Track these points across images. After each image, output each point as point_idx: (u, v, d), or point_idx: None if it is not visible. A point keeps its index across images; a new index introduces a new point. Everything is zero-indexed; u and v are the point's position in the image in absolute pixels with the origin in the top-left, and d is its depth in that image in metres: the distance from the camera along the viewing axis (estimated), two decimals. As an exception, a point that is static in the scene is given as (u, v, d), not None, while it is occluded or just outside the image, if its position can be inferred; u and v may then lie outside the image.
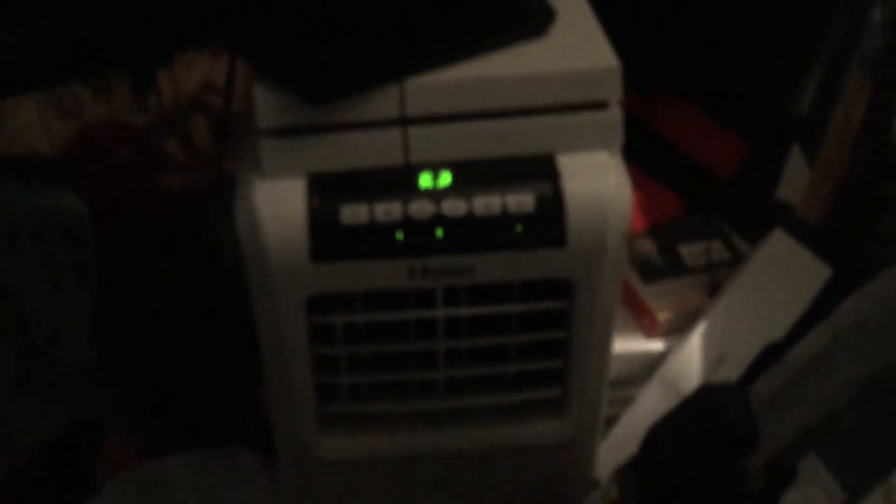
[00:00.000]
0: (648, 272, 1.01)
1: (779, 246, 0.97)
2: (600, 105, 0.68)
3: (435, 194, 0.67)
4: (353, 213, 0.66)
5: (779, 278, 0.95)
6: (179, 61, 1.03)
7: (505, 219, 0.67)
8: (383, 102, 0.66)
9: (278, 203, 0.66)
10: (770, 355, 0.87)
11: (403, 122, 0.67)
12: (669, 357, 0.96)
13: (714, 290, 0.99)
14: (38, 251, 1.09)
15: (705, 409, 0.73)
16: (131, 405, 1.14)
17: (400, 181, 0.67)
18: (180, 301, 1.03)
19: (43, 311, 1.15)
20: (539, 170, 0.67)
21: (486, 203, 0.66)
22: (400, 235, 0.66)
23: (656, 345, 0.98)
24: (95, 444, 1.15)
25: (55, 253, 1.08)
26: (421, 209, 0.66)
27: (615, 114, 0.68)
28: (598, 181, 0.67)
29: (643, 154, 0.87)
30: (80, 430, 1.17)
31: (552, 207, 0.67)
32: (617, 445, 0.91)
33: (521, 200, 0.67)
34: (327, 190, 0.67)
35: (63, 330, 1.15)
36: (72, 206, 1.01)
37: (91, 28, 0.78)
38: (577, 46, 0.68)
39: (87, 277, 1.08)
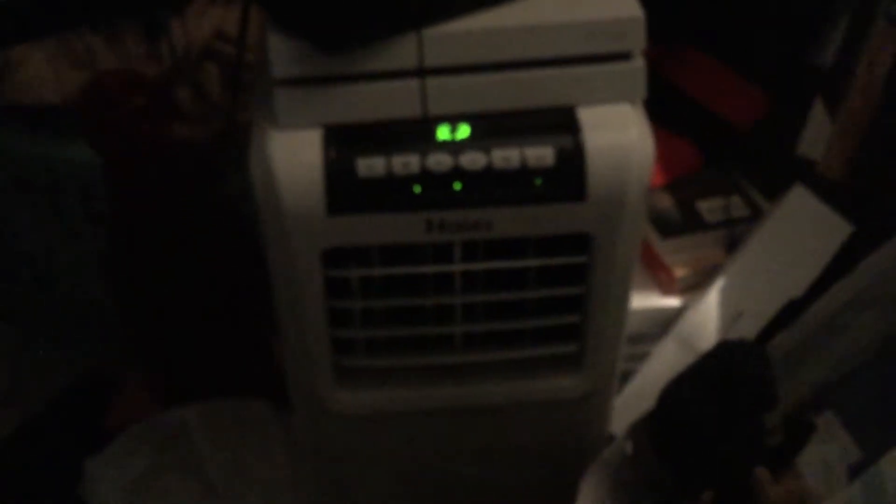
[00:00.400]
0: (666, 228, 1.00)
1: (799, 202, 0.96)
2: (623, 56, 0.66)
3: (453, 147, 0.66)
4: (370, 165, 0.65)
5: (798, 235, 0.94)
6: (191, 9, 1.02)
7: (524, 172, 0.65)
8: (401, 52, 0.65)
9: (294, 154, 0.65)
10: (789, 313, 0.86)
11: (421, 72, 0.65)
12: (686, 313, 0.95)
13: (732, 246, 0.98)
14: (50, 200, 1.09)
15: (723, 366, 0.72)
16: (145, 355, 1.15)
17: (417, 133, 0.66)
18: (193, 250, 1.03)
19: (56, 258, 1.15)
20: (559, 122, 0.66)
21: (505, 156, 0.65)
22: (417, 189, 0.65)
23: (673, 301, 0.97)
24: (108, 394, 1.16)
25: (67, 201, 1.08)
26: (439, 162, 0.65)
27: (638, 65, 0.67)
28: (620, 134, 0.66)
29: (661, 106, 0.86)
30: (94, 380, 1.18)
31: (573, 161, 0.65)
32: (632, 401, 0.91)
33: (541, 154, 0.65)
34: (344, 142, 0.65)
35: (76, 277, 1.15)
36: (84, 155, 1.01)
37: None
38: (600, -5, 0.67)
39: (100, 225, 1.08)
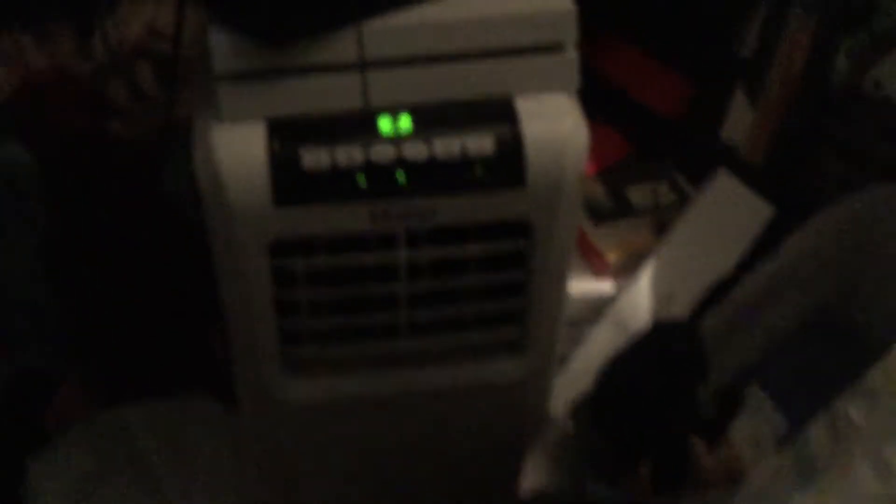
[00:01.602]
0: (598, 214, 1.03)
1: (723, 186, 1.00)
2: (557, 48, 0.68)
3: (396, 139, 0.67)
4: (315, 157, 0.66)
5: (724, 217, 0.98)
6: (122, 6, 1.01)
7: (465, 161, 0.67)
8: (342, 45, 0.66)
9: (238, 148, 0.66)
10: (717, 291, 0.90)
11: (362, 65, 0.67)
12: (620, 297, 0.98)
13: (661, 230, 1.02)
14: (-20, 202, 1.07)
15: (657, 343, 0.75)
16: (84, 353, 1.13)
17: (360, 125, 0.67)
18: (131, 247, 1.02)
19: (-12, 262, 1.13)
20: (498, 112, 0.68)
21: (447, 146, 0.67)
22: (362, 179, 0.67)
23: (606, 285, 1.00)
24: (47, 394, 1.14)
25: (1, 203, 1.06)
26: (382, 153, 0.67)
27: (571, 56, 0.69)
28: (556, 123, 0.68)
29: (591, 97, 0.88)
30: (31, 380, 1.16)
31: (511, 149, 0.67)
32: (570, 383, 0.93)
33: (481, 143, 0.67)
34: (287, 134, 0.66)
35: (10, 277, 1.13)
36: (16, 155, 0.99)
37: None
38: (534, -11, 0.69)
39: (34, 227, 1.06)
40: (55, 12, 0.98)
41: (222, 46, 0.65)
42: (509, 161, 0.68)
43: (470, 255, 0.72)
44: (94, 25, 1.01)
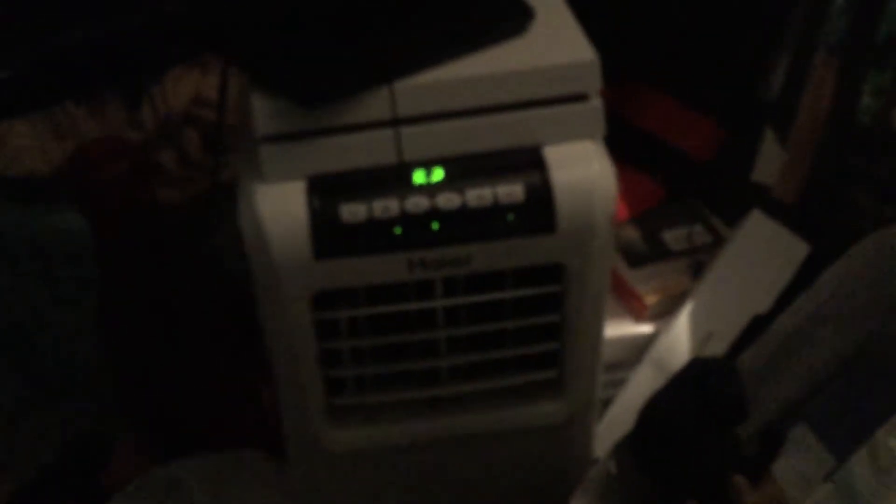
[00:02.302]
0: (634, 258, 1.04)
1: (757, 226, 1.01)
2: (582, 97, 0.71)
3: (429, 189, 0.70)
4: (353, 211, 0.69)
5: (759, 257, 0.99)
6: (169, 77, 1.06)
7: (497, 209, 0.70)
8: (375, 104, 0.69)
9: (280, 205, 0.69)
10: (756, 328, 0.91)
11: (395, 122, 0.70)
12: (659, 338, 0.99)
13: (698, 271, 1.03)
14: (39, 270, 1.12)
15: (696, 381, 0.76)
16: (138, 413, 1.17)
17: (395, 178, 0.70)
18: (182, 308, 1.06)
19: (46, 327, 1.17)
20: (527, 161, 0.71)
21: (478, 195, 0.70)
22: (398, 230, 0.70)
23: (646, 328, 1.01)
24: (104, 454, 1.18)
25: (57, 270, 1.11)
26: (417, 204, 0.69)
27: (596, 105, 0.72)
28: (583, 169, 0.71)
29: (623, 144, 0.91)
30: (88, 443, 1.19)
31: (541, 196, 0.70)
32: (613, 425, 0.94)
33: (512, 191, 0.70)
34: (326, 190, 0.70)
35: (67, 344, 1.17)
36: (72, 223, 1.04)
37: (84, 46, 0.81)
38: (557, 43, 0.72)
39: (89, 291, 1.11)
40: (106, 86, 1.03)
41: (263, 110, 0.69)
42: (539, 207, 0.70)
43: (506, 299, 0.74)
44: (142, 97, 1.06)
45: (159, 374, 1.11)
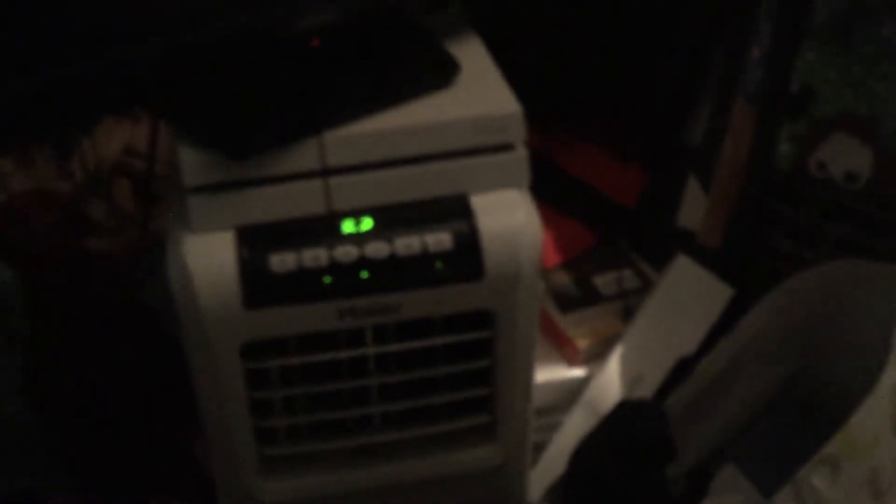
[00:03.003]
0: (566, 303, 1.06)
1: (683, 270, 1.03)
2: (507, 147, 0.73)
3: (358, 238, 0.71)
4: (282, 260, 0.70)
5: (685, 300, 1.01)
6: (100, 128, 1.06)
7: (425, 257, 0.71)
8: (304, 155, 0.70)
9: (209, 256, 0.70)
10: (681, 370, 0.93)
11: (324, 172, 0.71)
12: (591, 382, 1.01)
13: (628, 315, 1.05)
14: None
15: (624, 423, 0.77)
16: (68, 468, 1.14)
17: (324, 228, 0.71)
18: (112, 360, 1.04)
19: (-28, 381, 1.15)
20: (454, 210, 0.72)
21: (407, 243, 0.71)
22: (328, 279, 0.70)
23: (578, 371, 1.02)
24: (33, 511, 1.15)
25: (-17, 323, 1.09)
26: (346, 253, 0.70)
27: (521, 154, 0.73)
28: (509, 217, 0.72)
29: (552, 191, 0.93)
30: (22, 497, 1.16)
31: (469, 244, 0.71)
32: (548, 469, 0.95)
33: (440, 239, 0.71)
34: (256, 240, 0.70)
35: (-6, 399, 1.15)
36: (1, 276, 1.02)
37: (12, 97, 0.80)
38: (482, 94, 0.74)
39: (17, 344, 1.09)
40: (35, 137, 1.02)
41: (191, 162, 0.69)
42: (467, 255, 0.71)
43: (436, 346, 0.75)
44: (72, 148, 1.05)
45: (90, 427, 1.09)
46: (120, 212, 1.06)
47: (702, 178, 1.05)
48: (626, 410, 0.79)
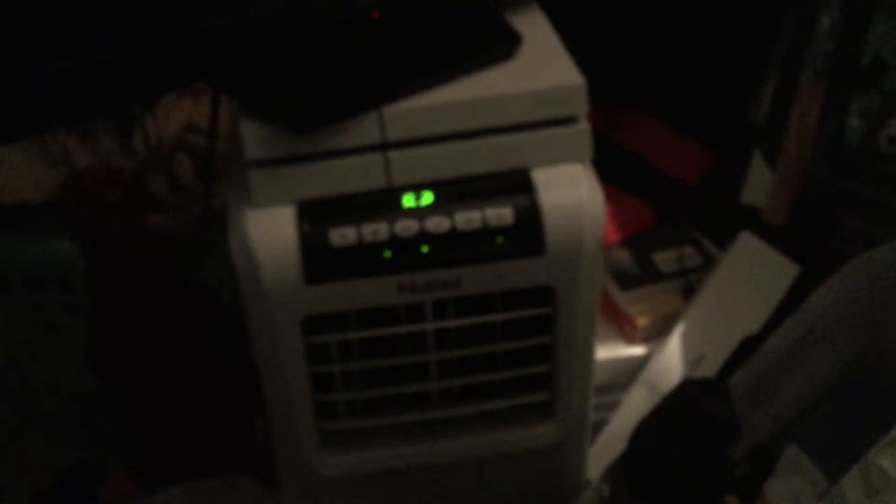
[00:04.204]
0: (625, 280, 1.05)
1: (747, 248, 1.01)
2: (569, 120, 0.72)
3: (418, 213, 0.70)
4: (342, 235, 0.70)
5: (749, 278, 0.99)
6: (161, 105, 1.07)
7: (486, 232, 0.70)
8: (364, 129, 0.70)
9: (270, 230, 0.70)
10: (746, 349, 0.91)
11: (384, 146, 0.70)
12: (651, 360, 1.00)
13: (689, 293, 1.03)
14: (32, 298, 1.12)
15: (687, 402, 0.76)
16: (130, 441, 1.16)
17: (384, 202, 0.71)
18: (173, 336, 1.06)
19: (38, 355, 1.17)
20: (515, 184, 0.71)
21: (468, 218, 0.70)
22: (388, 254, 0.70)
23: (638, 350, 1.01)
24: (96, 482, 1.17)
25: (49, 298, 1.11)
26: (406, 227, 0.70)
27: (584, 128, 0.72)
28: (571, 192, 0.71)
29: (613, 168, 0.91)
30: (79, 472, 1.19)
31: (530, 219, 0.70)
32: (606, 448, 0.94)
33: (501, 214, 0.70)
34: (316, 215, 0.70)
35: (59, 372, 1.17)
36: (64, 250, 1.04)
37: (77, 74, 0.81)
38: (544, 67, 0.72)
39: (82, 320, 1.11)
40: (99, 114, 1.04)
41: (252, 136, 0.69)
42: (529, 230, 0.70)
43: (496, 322, 0.75)
44: (134, 124, 1.06)
45: (151, 401, 1.11)
46: (182, 188, 1.07)
47: (767, 155, 1.03)
48: (689, 389, 0.77)
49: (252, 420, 1.12)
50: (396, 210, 0.70)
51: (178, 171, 1.06)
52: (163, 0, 0.71)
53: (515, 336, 0.76)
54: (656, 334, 1.01)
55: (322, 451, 0.80)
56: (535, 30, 0.76)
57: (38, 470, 1.21)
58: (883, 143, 0.95)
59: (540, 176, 0.71)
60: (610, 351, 1.00)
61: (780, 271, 0.98)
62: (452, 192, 0.71)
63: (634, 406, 0.96)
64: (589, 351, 0.78)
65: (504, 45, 0.74)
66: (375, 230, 0.70)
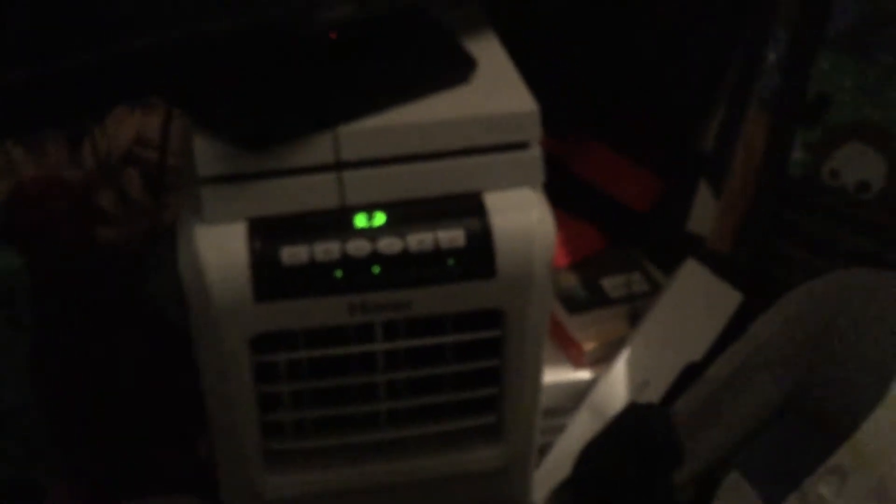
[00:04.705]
0: (573, 304, 1.06)
1: (692, 275, 1.03)
2: (522, 145, 0.73)
3: (370, 233, 0.70)
4: (294, 253, 0.69)
5: (694, 305, 1.01)
6: (111, 117, 1.06)
7: (437, 254, 0.71)
8: (318, 148, 0.70)
9: (221, 247, 0.69)
10: (689, 375, 0.92)
11: (338, 166, 0.70)
12: (596, 385, 1.00)
13: (635, 319, 1.04)
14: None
15: (631, 427, 0.77)
16: (71, 459, 1.14)
17: (337, 222, 0.71)
18: (117, 352, 1.04)
19: (-24, 368, 1.14)
20: (468, 207, 0.72)
21: (419, 239, 0.70)
22: (339, 273, 0.70)
23: (584, 374, 1.02)
24: (37, 499, 1.15)
25: (-11, 310, 1.09)
26: (358, 248, 0.70)
27: (536, 153, 0.73)
28: (523, 215, 0.72)
29: (564, 194, 0.92)
30: (21, 486, 1.16)
31: (481, 241, 0.71)
32: (552, 471, 0.95)
33: (453, 236, 0.71)
34: (268, 232, 0.70)
35: (-2, 387, 1.15)
36: (9, 263, 1.02)
37: (28, 84, 0.80)
38: (498, 92, 0.73)
39: (23, 334, 1.08)
40: (45, 125, 1.02)
41: (205, 152, 0.69)
42: (480, 253, 0.71)
43: (445, 344, 0.75)
44: (83, 136, 1.05)
45: (92, 418, 1.09)
46: (130, 202, 1.06)
47: (713, 184, 1.05)
48: (634, 414, 0.78)
49: (194, 438, 1.11)
50: (349, 230, 0.70)
51: (127, 184, 1.05)
52: (115, 13, 0.70)
53: (464, 358, 0.76)
54: (602, 359, 1.02)
55: (267, 472, 0.79)
56: (491, 56, 0.77)
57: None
58: (825, 175, 0.97)
59: (492, 200, 0.72)
60: (556, 375, 1.01)
61: (723, 299, 1.00)
62: (405, 214, 0.71)
63: (580, 430, 0.97)
64: (537, 374, 0.79)
65: (459, 69, 0.74)
66: (327, 249, 0.70)
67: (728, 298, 0.99)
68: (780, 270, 1.00)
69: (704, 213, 1.05)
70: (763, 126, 1.00)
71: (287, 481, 0.80)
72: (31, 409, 1.11)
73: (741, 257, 1.02)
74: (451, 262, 0.71)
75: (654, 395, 0.97)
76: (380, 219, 0.71)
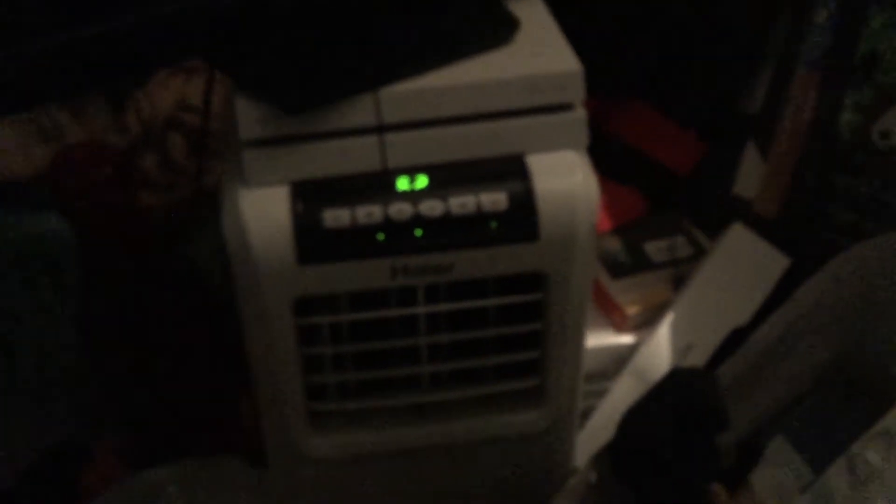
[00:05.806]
0: (616, 269, 1.05)
1: (738, 239, 1.02)
2: (565, 107, 0.72)
3: (412, 196, 0.70)
4: (336, 216, 0.69)
5: (739, 270, 1.00)
6: (154, 81, 1.06)
7: (480, 217, 0.70)
8: (360, 111, 0.69)
9: (264, 210, 0.69)
10: (735, 340, 0.92)
11: (380, 129, 0.70)
12: (639, 349, 1.00)
13: (679, 283, 1.03)
14: (21, 275, 1.11)
15: (676, 391, 0.76)
16: (117, 419, 1.16)
17: (379, 185, 0.70)
18: (162, 314, 1.05)
19: (27, 332, 1.17)
20: (510, 169, 0.71)
21: (462, 202, 0.70)
22: (381, 236, 0.70)
23: (626, 338, 1.02)
24: (82, 459, 1.17)
25: (38, 275, 1.10)
26: (400, 210, 0.70)
27: (580, 115, 0.72)
28: (566, 178, 0.71)
29: (606, 157, 0.91)
30: (67, 446, 1.19)
31: (524, 204, 0.70)
32: (593, 435, 0.95)
33: (495, 199, 0.70)
34: (310, 196, 0.70)
35: (48, 351, 1.17)
36: (55, 228, 1.03)
37: (69, 48, 0.80)
38: (542, 53, 0.72)
39: (69, 297, 1.10)
40: (92, 89, 1.03)
41: (247, 115, 0.69)
42: (522, 216, 0.70)
43: (487, 307, 0.75)
44: (126, 101, 1.06)
45: (138, 380, 1.11)
46: (173, 166, 1.06)
47: (760, 146, 1.03)
48: (678, 378, 0.78)
49: (239, 399, 1.12)
50: (391, 193, 0.70)
51: (170, 149, 1.06)
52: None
53: (507, 322, 0.76)
54: (645, 323, 1.01)
55: (311, 433, 0.80)
56: (534, 16, 0.76)
57: (24, 448, 1.21)
58: (875, 137, 0.95)
59: (535, 162, 0.71)
60: (599, 339, 1.01)
61: (769, 263, 0.99)
62: (447, 177, 0.71)
63: (622, 395, 0.97)
64: (579, 338, 0.78)
65: (502, 30, 0.73)
66: (369, 212, 0.69)
67: (775, 262, 0.98)
68: (828, 234, 0.99)
69: (751, 177, 1.03)
70: (812, 87, 0.98)
71: (330, 442, 0.81)
72: (78, 372, 1.14)
73: (788, 221, 1.00)
74: (493, 224, 0.70)
75: (697, 359, 0.96)
76: (422, 181, 0.71)
